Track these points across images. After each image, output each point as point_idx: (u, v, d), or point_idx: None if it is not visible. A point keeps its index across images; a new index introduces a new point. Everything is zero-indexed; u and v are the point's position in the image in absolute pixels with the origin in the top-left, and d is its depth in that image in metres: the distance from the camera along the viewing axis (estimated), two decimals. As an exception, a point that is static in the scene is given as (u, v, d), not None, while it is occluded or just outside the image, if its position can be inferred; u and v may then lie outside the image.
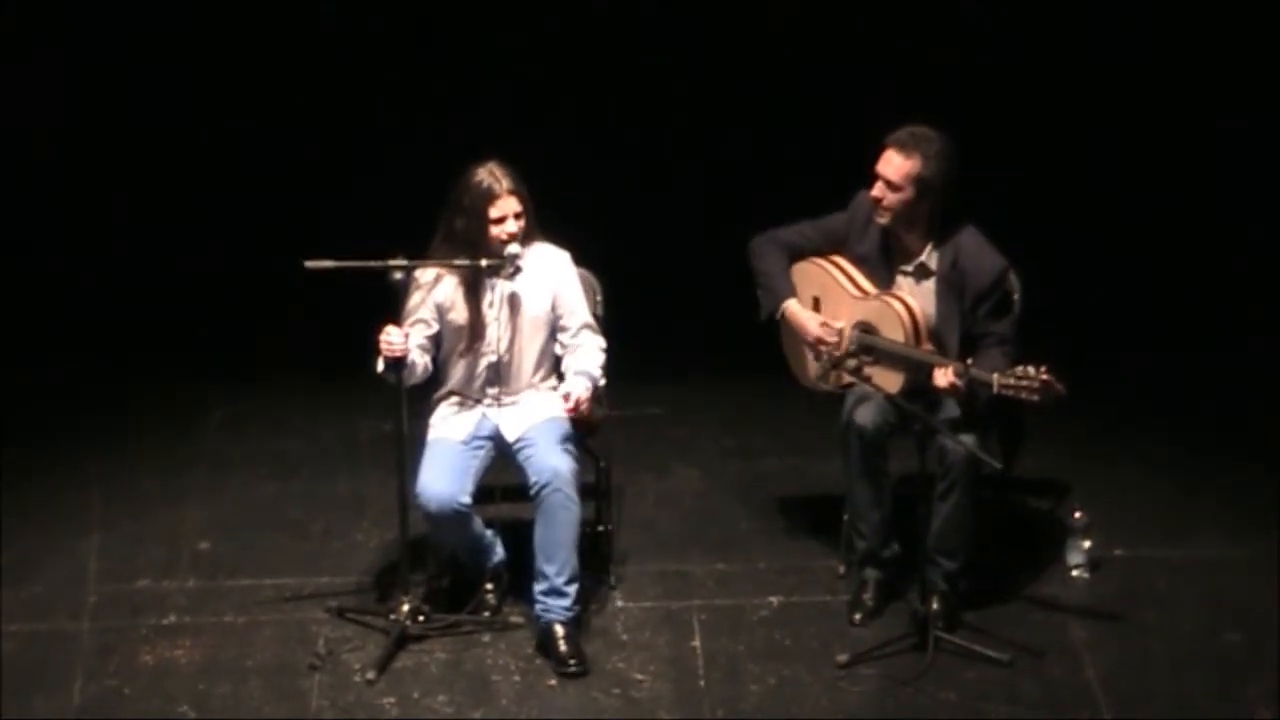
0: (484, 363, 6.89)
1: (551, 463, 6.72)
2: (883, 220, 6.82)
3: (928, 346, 6.76)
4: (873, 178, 6.79)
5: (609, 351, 7.06)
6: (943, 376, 6.60)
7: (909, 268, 6.87)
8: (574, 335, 6.97)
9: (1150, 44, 10.07)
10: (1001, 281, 6.81)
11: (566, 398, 6.81)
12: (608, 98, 10.27)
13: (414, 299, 6.87)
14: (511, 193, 6.76)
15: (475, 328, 6.86)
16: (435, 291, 6.88)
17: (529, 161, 6.89)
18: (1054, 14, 10.17)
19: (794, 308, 7.03)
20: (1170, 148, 9.99)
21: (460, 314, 6.87)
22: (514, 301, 6.85)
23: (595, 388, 6.91)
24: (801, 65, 10.26)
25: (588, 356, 6.95)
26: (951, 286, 6.77)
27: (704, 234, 9.51)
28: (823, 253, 7.05)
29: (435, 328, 6.90)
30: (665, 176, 10.16)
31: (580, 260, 7.10)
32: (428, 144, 9.44)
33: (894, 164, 6.74)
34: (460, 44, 10.31)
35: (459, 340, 6.88)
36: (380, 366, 6.75)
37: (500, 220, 6.75)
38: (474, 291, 6.86)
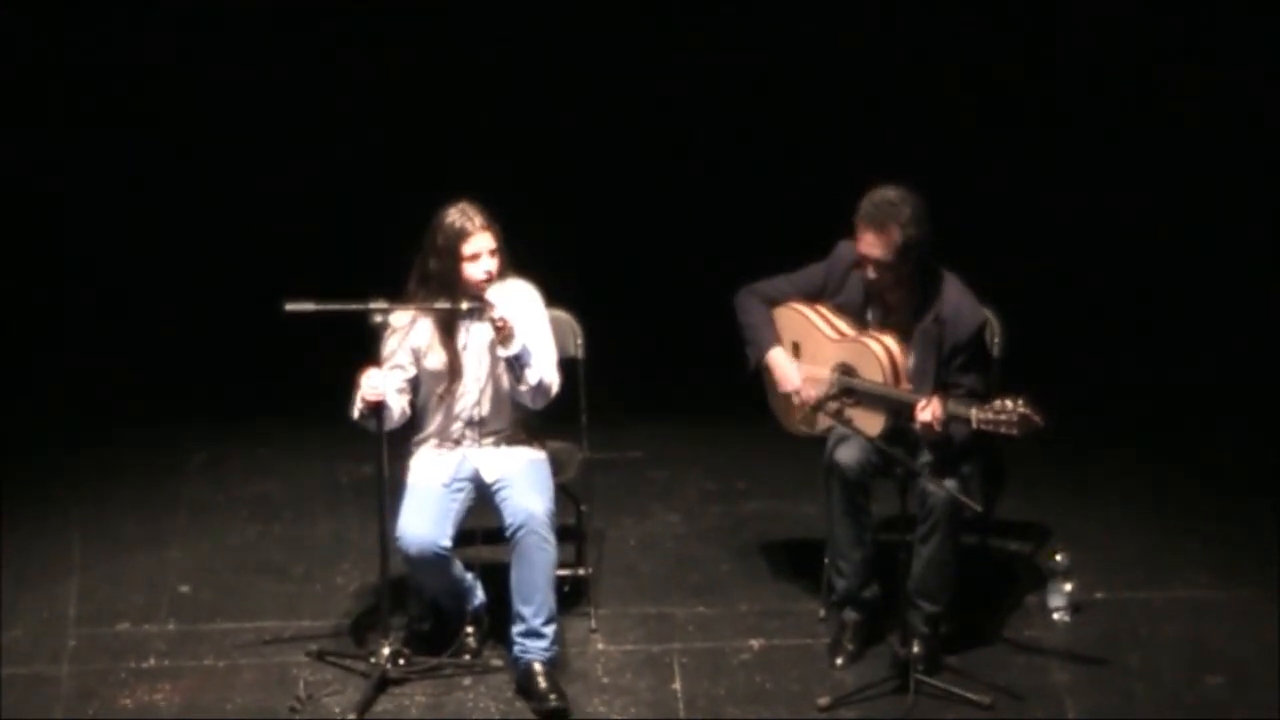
0: (462, 404, 6.87)
1: (526, 505, 6.71)
2: (885, 291, 6.82)
3: (907, 386, 6.77)
4: (864, 263, 6.79)
5: (590, 394, 7.08)
6: (923, 410, 6.59)
7: (889, 319, 6.87)
8: None
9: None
10: (981, 334, 6.83)
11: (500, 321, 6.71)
12: (590, 138, 10.31)
13: (390, 344, 6.86)
14: (485, 229, 6.75)
15: (453, 370, 6.85)
16: (410, 336, 6.87)
17: (509, 202, 6.89)
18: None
19: (776, 357, 7.04)
20: (1154, 183, 10.04)
21: (437, 357, 6.86)
22: (489, 341, 6.83)
23: (523, 353, 6.74)
24: (784, 107, 10.33)
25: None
26: (931, 339, 6.76)
27: (685, 277, 9.54)
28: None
29: (412, 372, 6.88)
30: (647, 219, 10.18)
31: (561, 302, 7.12)
32: (409, 188, 9.44)
33: (876, 244, 6.71)
34: (440, 90, 10.39)
35: (437, 383, 6.87)
36: (357, 413, 6.73)
37: (475, 258, 6.74)
38: (450, 334, 6.85)
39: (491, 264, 6.77)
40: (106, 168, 10.29)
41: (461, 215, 6.76)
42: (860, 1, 10.36)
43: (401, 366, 6.87)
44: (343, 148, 10.31)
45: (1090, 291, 9.92)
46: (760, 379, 7.16)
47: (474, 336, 6.85)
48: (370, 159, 10.31)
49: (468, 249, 6.74)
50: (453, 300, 6.74)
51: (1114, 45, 10.19)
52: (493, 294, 6.75)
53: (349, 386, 6.72)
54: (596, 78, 10.39)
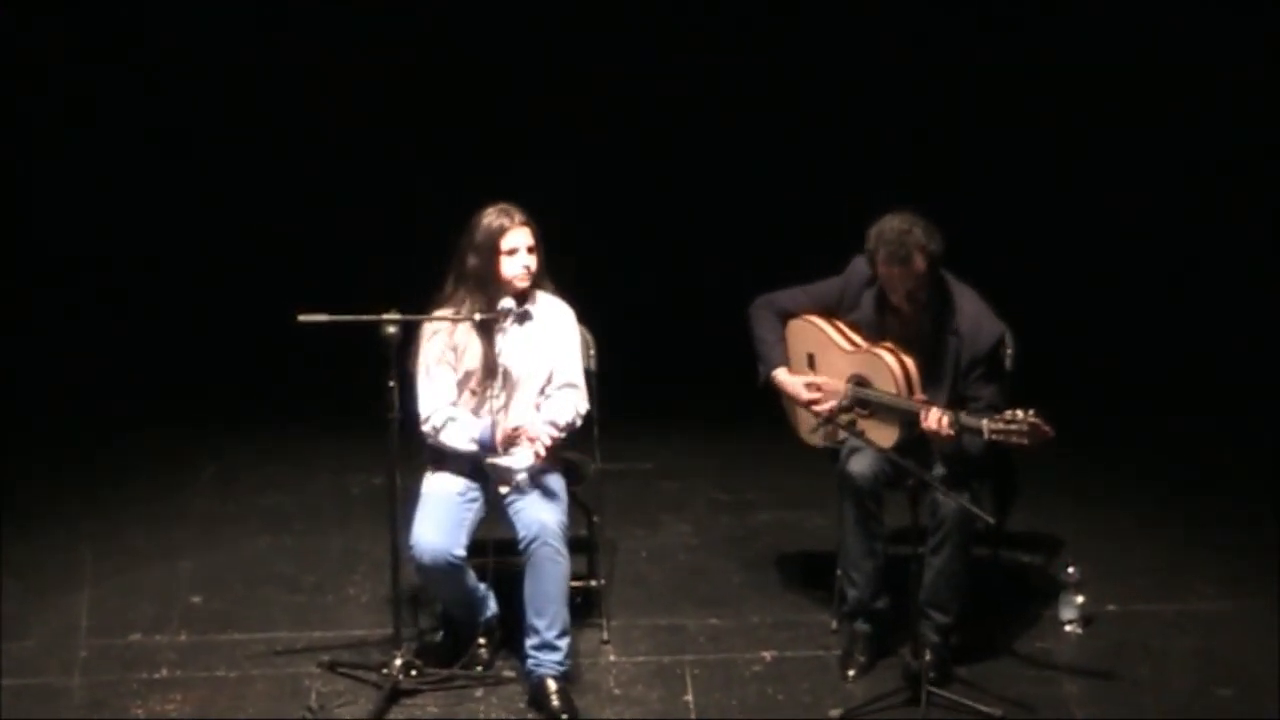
0: (487, 409, 6.87)
1: (539, 516, 6.71)
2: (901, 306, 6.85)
3: (920, 397, 6.77)
4: (894, 294, 6.78)
5: (601, 405, 7.09)
6: (933, 417, 6.60)
7: (906, 333, 6.87)
8: (556, 389, 6.95)
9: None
10: (998, 347, 6.84)
11: (519, 433, 6.77)
12: (603, 150, 10.31)
13: (435, 343, 6.83)
14: (524, 225, 6.78)
15: (488, 368, 6.84)
16: (454, 335, 6.86)
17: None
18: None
19: (782, 375, 7.05)
20: (1174, 202, 10.05)
21: (474, 357, 6.85)
22: (520, 350, 6.84)
23: (555, 434, 6.81)
24: (786, 107, 10.34)
25: (558, 407, 6.89)
26: (948, 351, 6.78)
27: (696, 288, 9.55)
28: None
29: (458, 372, 6.89)
30: (658, 231, 10.18)
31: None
32: (424, 198, 9.45)
33: (907, 277, 6.71)
34: (440, 90, 10.38)
35: (468, 382, 6.86)
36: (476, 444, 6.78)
37: (513, 252, 6.75)
38: (488, 335, 6.83)
39: (530, 260, 6.78)
40: (107, 167, 10.28)
41: (501, 212, 6.78)
42: (860, 2, 10.36)
43: (451, 365, 6.85)
44: (343, 148, 10.30)
45: (1091, 291, 9.94)
46: (768, 387, 7.17)
47: (510, 341, 6.84)
48: (370, 159, 10.30)
49: (506, 243, 6.74)
50: (488, 299, 6.74)
51: (1114, 45, 10.20)
52: (532, 306, 6.80)
53: (360, 397, 6.70)
54: (596, 78, 10.38)
